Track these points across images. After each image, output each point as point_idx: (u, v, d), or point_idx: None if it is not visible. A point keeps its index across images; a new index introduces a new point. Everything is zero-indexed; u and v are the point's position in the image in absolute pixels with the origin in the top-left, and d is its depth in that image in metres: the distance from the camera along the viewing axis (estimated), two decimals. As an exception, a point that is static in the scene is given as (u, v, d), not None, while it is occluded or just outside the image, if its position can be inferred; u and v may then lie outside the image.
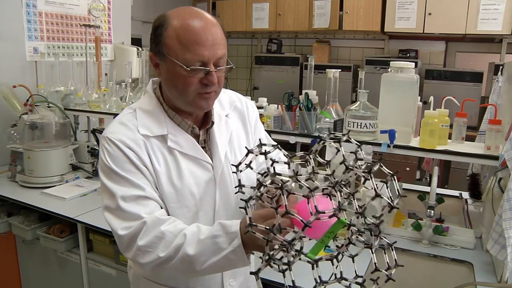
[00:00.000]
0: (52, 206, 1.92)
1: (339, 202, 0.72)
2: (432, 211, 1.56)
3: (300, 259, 0.72)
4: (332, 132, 0.88)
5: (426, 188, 2.17)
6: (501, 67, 1.86)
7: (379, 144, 1.61)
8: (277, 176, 0.79)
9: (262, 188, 0.78)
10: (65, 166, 2.24)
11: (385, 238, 0.78)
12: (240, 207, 0.80)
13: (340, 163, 0.80)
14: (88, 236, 1.91)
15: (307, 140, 1.76)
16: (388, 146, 1.58)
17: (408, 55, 3.95)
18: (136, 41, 3.56)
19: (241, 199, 0.80)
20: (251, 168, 0.88)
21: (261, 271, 0.73)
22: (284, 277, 0.70)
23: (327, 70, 1.78)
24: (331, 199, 0.75)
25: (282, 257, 0.73)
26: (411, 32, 3.75)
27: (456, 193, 2.14)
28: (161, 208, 1.01)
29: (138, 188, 0.97)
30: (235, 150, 1.14)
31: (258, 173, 0.82)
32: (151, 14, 4.85)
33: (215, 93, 1.02)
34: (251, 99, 1.94)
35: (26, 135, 2.29)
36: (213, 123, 1.10)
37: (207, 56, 0.94)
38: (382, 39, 4.24)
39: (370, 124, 1.64)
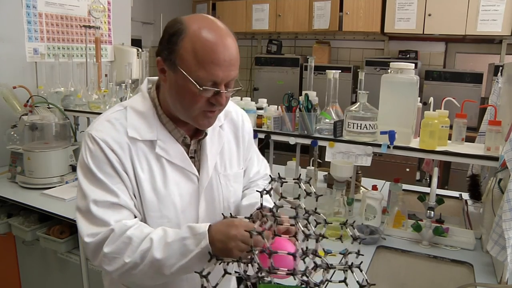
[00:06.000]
0: (52, 207, 1.92)
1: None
2: (432, 212, 1.56)
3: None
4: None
5: (426, 189, 2.17)
6: (501, 68, 1.85)
7: (379, 145, 1.61)
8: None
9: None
10: (65, 167, 2.23)
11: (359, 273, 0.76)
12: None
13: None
14: (88, 237, 1.90)
15: (307, 141, 1.76)
16: (388, 147, 1.58)
17: (408, 56, 3.95)
18: (136, 42, 3.56)
19: (256, 191, 0.90)
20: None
21: (209, 273, 0.76)
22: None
23: (327, 71, 1.79)
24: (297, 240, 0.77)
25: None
26: (411, 33, 3.75)
27: (456, 194, 2.14)
28: (135, 217, 0.98)
29: (112, 194, 0.94)
30: (225, 162, 1.12)
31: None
32: (151, 15, 4.86)
33: (219, 111, 1.01)
34: (251, 100, 1.96)
35: (26, 136, 2.28)
36: (206, 134, 1.07)
37: (221, 77, 0.91)
38: (382, 40, 4.24)
39: (370, 125, 1.64)
